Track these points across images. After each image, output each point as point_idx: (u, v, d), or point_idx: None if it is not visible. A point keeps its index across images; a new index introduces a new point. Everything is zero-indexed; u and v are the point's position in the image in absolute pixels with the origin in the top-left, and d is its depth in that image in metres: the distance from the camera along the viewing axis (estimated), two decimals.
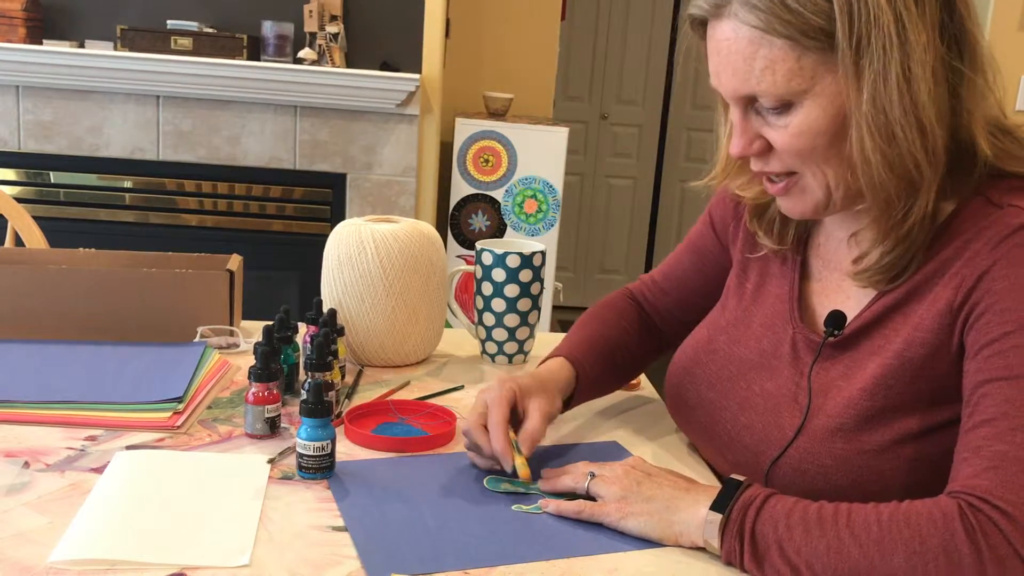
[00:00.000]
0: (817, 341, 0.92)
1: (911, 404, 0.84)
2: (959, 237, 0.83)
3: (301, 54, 2.98)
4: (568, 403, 1.09)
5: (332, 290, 1.29)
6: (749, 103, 0.85)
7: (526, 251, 1.32)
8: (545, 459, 1.03)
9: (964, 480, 0.75)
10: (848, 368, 0.89)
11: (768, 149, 0.86)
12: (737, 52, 0.82)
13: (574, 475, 0.92)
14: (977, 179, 0.84)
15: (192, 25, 2.95)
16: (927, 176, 0.80)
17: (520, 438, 0.97)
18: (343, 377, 1.21)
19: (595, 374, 1.11)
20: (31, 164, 3.05)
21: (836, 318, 0.90)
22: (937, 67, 0.79)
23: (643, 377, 1.34)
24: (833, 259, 0.96)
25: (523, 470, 0.93)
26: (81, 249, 1.45)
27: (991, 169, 0.84)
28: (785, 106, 0.82)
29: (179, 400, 1.08)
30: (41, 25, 2.97)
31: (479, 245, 1.34)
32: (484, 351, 1.37)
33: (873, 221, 0.86)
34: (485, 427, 0.96)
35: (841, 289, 0.94)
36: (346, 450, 1.02)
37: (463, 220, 3.39)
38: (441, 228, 3.41)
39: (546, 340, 1.47)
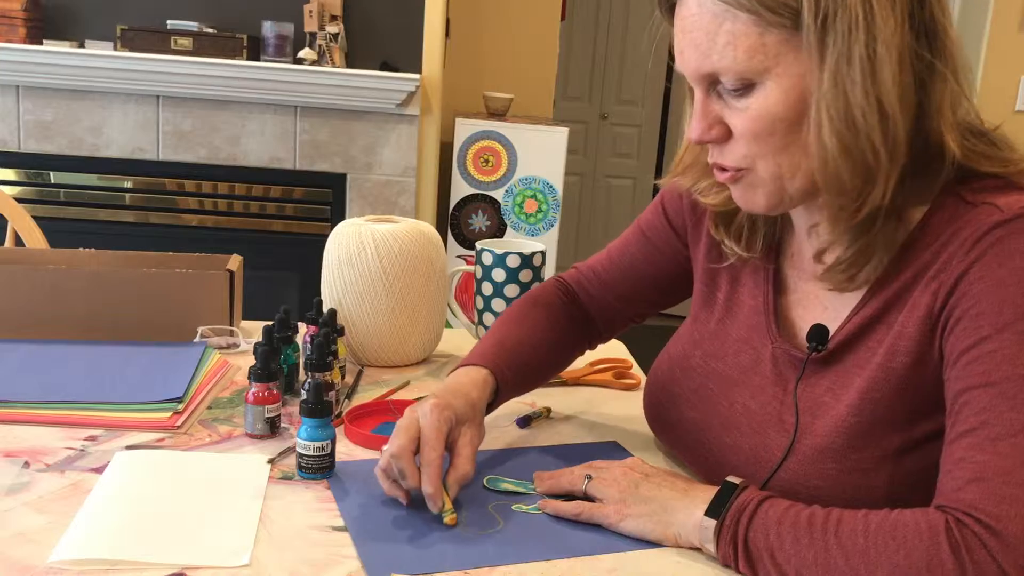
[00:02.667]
0: (799, 357, 0.90)
1: (899, 417, 0.82)
2: (935, 240, 0.81)
3: (301, 54, 2.98)
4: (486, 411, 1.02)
5: (332, 290, 1.29)
6: (711, 85, 0.83)
7: (526, 251, 1.32)
8: (545, 460, 1.03)
9: (949, 493, 0.73)
10: (834, 384, 0.86)
11: (727, 136, 0.84)
12: (701, 28, 0.80)
13: (572, 476, 0.92)
14: (947, 181, 0.81)
15: (192, 25, 2.96)
16: (883, 165, 0.78)
17: (450, 479, 0.90)
18: (343, 377, 1.21)
19: (516, 382, 1.05)
20: (31, 164, 3.05)
21: (819, 332, 0.87)
22: (904, 55, 0.77)
23: (642, 377, 1.34)
24: (808, 268, 0.93)
25: (450, 516, 0.86)
26: (81, 249, 1.46)
27: (964, 171, 0.81)
28: (746, 87, 0.80)
29: (179, 400, 1.08)
30: (41, 25, 2.97)
31: (479, 245, 1.34)
32: None
33: (829, 213, 0.83)
34: (416, 454, 0.89)
35: (819, 300, 0.91)
36: (346, 450, 1.02)
37: (463, 220, 3.39)
38: (441, 228, 3.41)
39: None
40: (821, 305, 0.91)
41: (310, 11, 2.98)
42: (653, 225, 1.10)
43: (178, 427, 1.05)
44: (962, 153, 0.81)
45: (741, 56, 0.79)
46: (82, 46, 2.96)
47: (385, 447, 0.89)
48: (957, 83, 0.81)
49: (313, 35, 3.01)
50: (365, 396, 1.19)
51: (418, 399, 1.17)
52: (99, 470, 0.93)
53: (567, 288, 1.17)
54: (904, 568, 0.71)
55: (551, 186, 3.36)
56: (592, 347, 1.20)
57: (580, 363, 1.32)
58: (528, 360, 1.07)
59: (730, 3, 0.78)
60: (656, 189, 5.69)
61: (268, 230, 3.16)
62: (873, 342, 0.84)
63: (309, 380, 1.01)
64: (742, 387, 0.94)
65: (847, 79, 0.76)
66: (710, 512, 0.81)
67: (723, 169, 0.86)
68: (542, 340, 1.10)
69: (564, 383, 1.30)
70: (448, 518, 0.86)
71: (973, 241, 0.78)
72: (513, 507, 0.91)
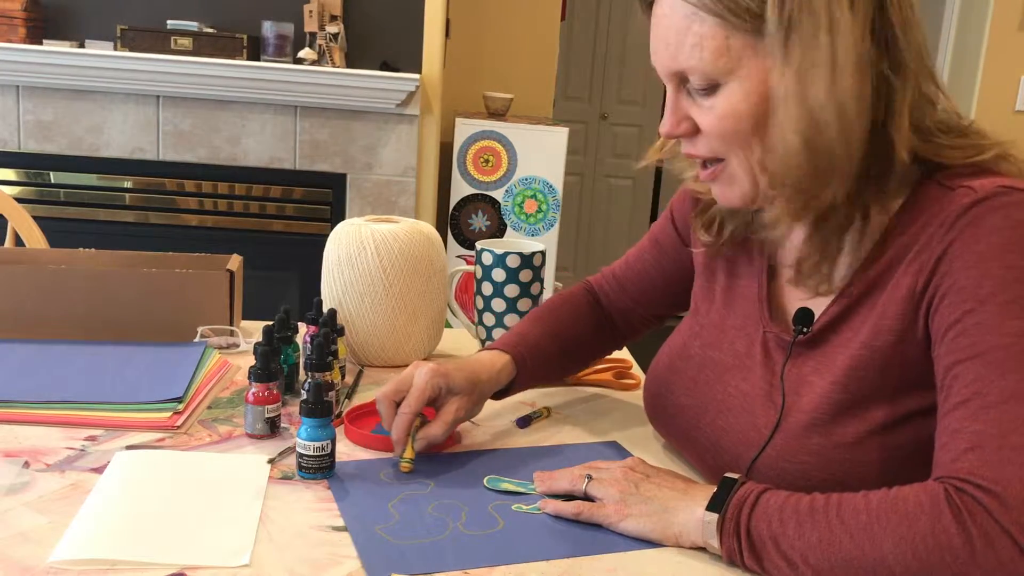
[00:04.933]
0: (787, 340, 0.92)
1: (882, 393, 0.84)
2: (914, 223, 0.84)
3: (301, 54, 2.98)
4: (502, 394, 1.11)
5: (332, 290, 1.29)
6: (681, 83, 0.87)
7: (526, 251, 1.32)
8: (545, 459, 1.03)
9: (947, 465, 0.75)
10: (819, 364, 0.89)
11: (695, 132, 0.89)
12: (671, 27, 0.85)
13: (571, 476, 0.92)
14: (919, 175, 0.85)
15: (192, 25, 2.96)
16: (840, 164, 0.82)
17: (419, 434, 0.99)
18: (343, 377, 1.21)
19: (535, 372, 1.12)
20: (31, 164, 3.05)
21: (804, 315, 0.91)
22: (863, 62, 0.80)
23: (642, 376, 1.34)
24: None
25: (405, 465, 0.96)
26: (81, 249, 1.46)
27: (938, 166, 0.85)
28: (712, 87, 0.84)
29: (179, 400, 1.08)
30: (41, 25, 2.97)
31: (479, 245, 1.34)
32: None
33: (785, 209, 0.87)
34: (396, 404, 0.99)
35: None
36: (346, 450, 1.02)
37: (463, 220, 3.39)
38: (441, 228, 3.41)
39: None
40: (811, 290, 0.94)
41: (310, 11, 2.98)
42: (663, 229, 1.16)
43: (178, 427, 1.05)
44: (932, 150, 0.85)
45: (708, 57, 0.83)
46: (82, 46, 2.96)
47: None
48: (921, 88, 0.84)
49: (313, 35, 3.01)
50: (365, 396, 1.19)
51: None
52: (99, 470, 0.93)
53: (592, 290, 1.24)
54: (909, 539, 0.72)
55: (551, 186, 3.36)
56: (619, 346, 1.26)
57: None
58: (549, 352, 1.14)
59: (698, 6, 0.82)
60: (656, 188, 5.66)
61: (268, 230, 3.16)
62: (856, 323, 0.87)
63: (309, 380, 1.01)
64: (735, 372, 0.97)
65: (810, 83, 0.80)
66: (711, 507, 0.82)
67: (704, 165, 0.91)
68: (565, 335, 1.17)
69: (564, 383, 1.30)
70: (403, 465, 0.96)
71: (951, 221, 0.80)
72: (513, 507, 0.91)
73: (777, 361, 0.93)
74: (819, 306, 0.91)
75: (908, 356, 0.83)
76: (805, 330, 0.90)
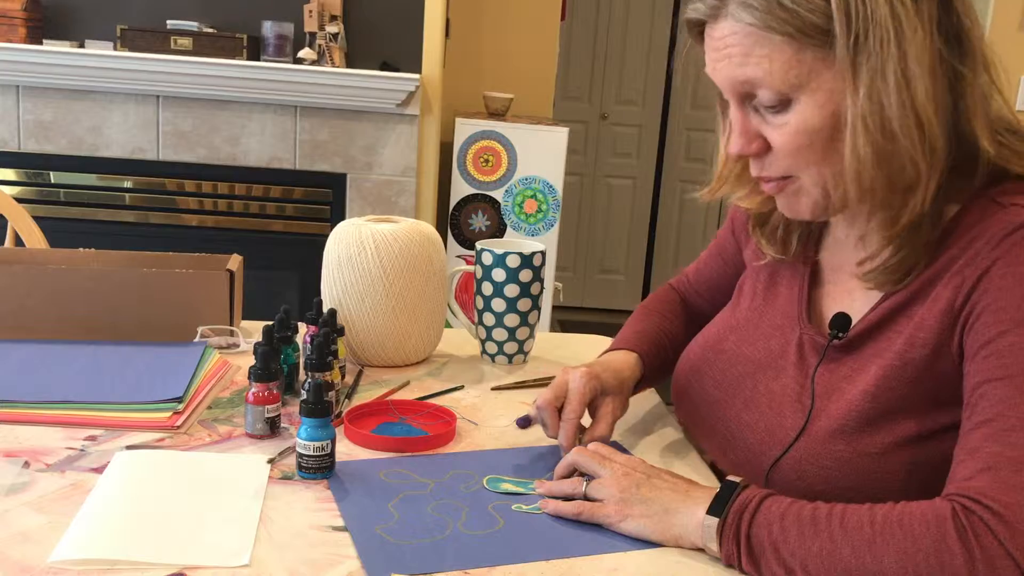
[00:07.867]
0: (822, 343, 0.92)
1: (913, 406, 0.84)
2: (963, 237, 0.83)
3: (301, 54, 2.98)
4: (632, 392, 1.13)
5: (332, 290, 1.29)
6: (747, 99, 0.85)
7: (526, 251, 1.32)
8: (545, 459, 1.03)
9: (959, 482, 0.74)
10: (852, 370, 0.88)
11: (766, 150, 0.86)
12: (735, 45, 0.82)
13: (572, 478, 0.92)
14: (981, 180, 0.83)
15: (192, 25, 2.95)
16: (923, 173, 0.80)
17: (586, 438, 1.01)
18: (343, 377, 1.21)
19: (657, 368, 1.16)
20: (31, 164, 3.05)
21: (841, 320, 0.90)
22: (935, 64, 0.79)
23: None
24: (843, 261, 0.96)
25: None
26: (81, 249, 1.45)
27: (996, 170, 0.83)
28: (783, 103, 0.82)
29: (179, 400, 1.08)
30: (41, 25, 2.97)
31: (479, 245, 1.34)
32: (484, 351, 1.37)
33: (878, 223, 0.86)
34: (558, 409, 1.01)
35: (848, 291, 0.94)
36: (346, 450, 1.02)
37: (463, 220, 3.39)
38: (441, 228, 3.41)
39: (546, 340, 1.47)
40: (850, 296, 0.94)
41: (310, 11, 2.98)
42: (723, 236, 1.18)
43: (178, 427, 1.05)
44: (995, 151, 0.82)
45: (777, 71, 0.81)
46: (82, 46, 2.96)
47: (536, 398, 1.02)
48: (990, 82, 0.83)
49: (313, 35, 3.01)
50: (365, 396, 1.19)
51: (419, 399, 1.17)
52: (99, 470, 0.93)
53: (677, 292, 1.27)
54: (912, 555, 0.71)
55: (551, 186, 3.36)
56: None
57: None
58: (665, 348, 1.18)
59: (762, 26, 0.80)
60: (656, 188, 5.63)
61: (268, 230, 3.16)
62: (893, 332, 0.86)
63: (309, 380, 1.01)
64: (767, 370, 0.97)
65: (883, 94, 0.78)
66: (712, 511, 0.81)
67: (768, 180, 0.89)
68: (672, 333, 1.20)
69: None
70: None
71: (999, 239, 0.80)
72: (513, 507, 0.91)
73: (810, 363, 0.93)
74: (857, 312, 0.91)
75: (941, 371, 0.83)
76: (841, 335, 0.90)
